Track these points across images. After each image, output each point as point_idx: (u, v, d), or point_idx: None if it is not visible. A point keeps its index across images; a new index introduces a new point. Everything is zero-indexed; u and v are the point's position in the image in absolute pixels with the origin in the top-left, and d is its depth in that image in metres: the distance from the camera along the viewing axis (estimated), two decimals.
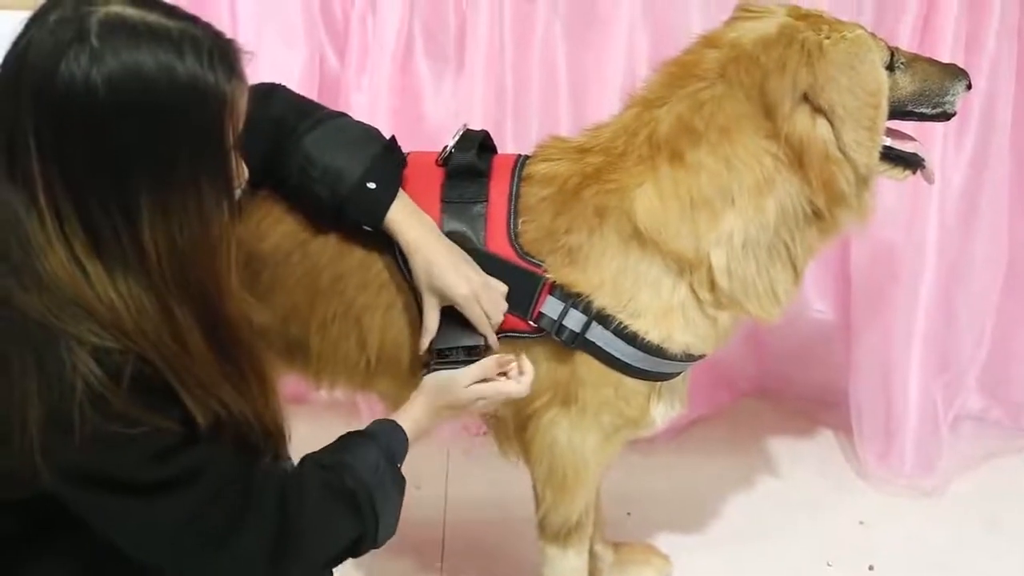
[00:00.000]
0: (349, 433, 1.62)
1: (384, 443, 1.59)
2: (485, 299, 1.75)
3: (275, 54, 2.55)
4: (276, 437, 1.42)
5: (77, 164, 1.23)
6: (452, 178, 1.85)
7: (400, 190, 1.77)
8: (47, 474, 1.24)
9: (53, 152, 1.22)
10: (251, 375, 1.39)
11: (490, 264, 1.79)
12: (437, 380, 1.71)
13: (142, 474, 1.29)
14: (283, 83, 1.86)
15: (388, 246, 1.80)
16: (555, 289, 1.79)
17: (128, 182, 1.23)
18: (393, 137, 1.82)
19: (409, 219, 1.76)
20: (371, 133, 1.81)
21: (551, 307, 1.79)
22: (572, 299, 1.78)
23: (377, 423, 1.65)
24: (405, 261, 1.77)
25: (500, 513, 2.30)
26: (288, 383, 2.25)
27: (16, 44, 1.25)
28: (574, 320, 1.79)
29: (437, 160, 1.87)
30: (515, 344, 1.81)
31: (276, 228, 1.84)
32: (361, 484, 1.51)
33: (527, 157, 1.90)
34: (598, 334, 1.79)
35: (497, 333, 1.78)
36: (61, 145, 1.22)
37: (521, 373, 1.74)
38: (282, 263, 1.84)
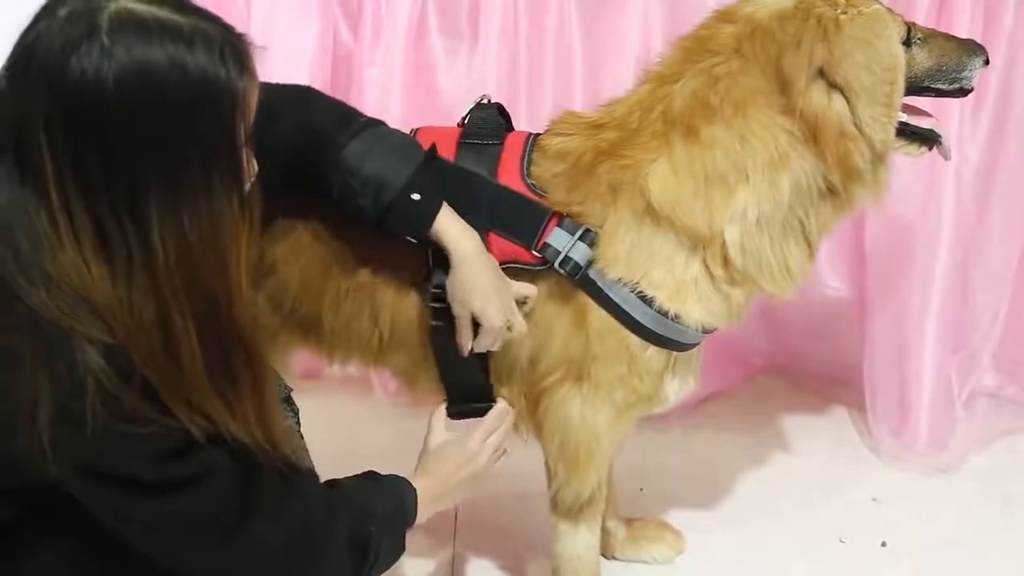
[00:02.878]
0: (370, 477, 1.66)
1: (401, 506, 1.64)
2: (513, 316, 1.78)
3: (289, 29, 2.54)
4: (274, 452, 1.40)
5: (87, 160, 1.21)
6: (466, 139, 1.85)
7: (444, 202, 1.75)
8: (56, 468, 1.24)
9: (64, 149, 1.21)
10: (246, 391, 1.36)
11: (498, 194, 1.79)
12: (453, 456, 1.78)
13: (149, 473, 1.29)
14: (312, 86, 1.87)
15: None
16: (562, 221, 1.79)
17: (138, 178, 1.22)
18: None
19: (457, 231, 1.75)
20: (410, 141, 1.80)
21: (557, 238, 1.78)
22: (578, 230, 1.78)
23: (401, 485, 1.67)
24: (435, 266, 1.78)
25: (513, 489, 2.30)
26: (301, 359, 2.26)
27: (24, 38, 1.24)
28: (580, 253, 1.78)
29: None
30: (520, 276, 1.81)
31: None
32: (378, 536, 1.55)
33: (538, 135, 1.89)
34: (608, 284, 1.79)
35: (501, 264, 1.79)
36: (71, 142, 1.21)
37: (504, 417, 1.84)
38: (296, 237, 1.85)
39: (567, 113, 1.95)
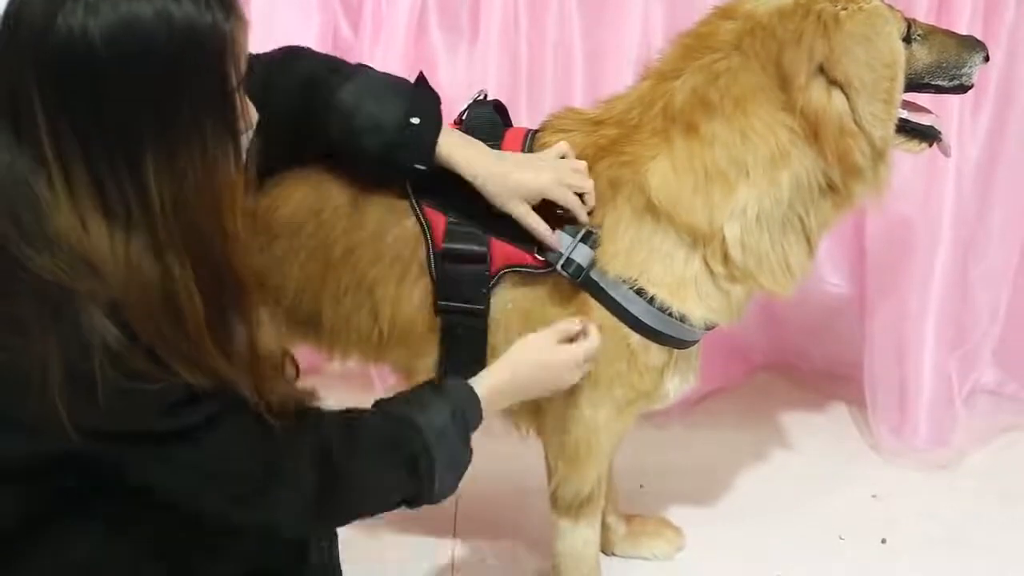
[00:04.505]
0: (425, 386, 1.64)
1: (458, 406, 1.60)
2: (568, 176, 1.75)
3: (289, 25, 2.54)
4: (277, 397, 1.40)
5: (81, 118, 1.22)
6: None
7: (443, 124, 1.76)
8: (72, 431, 1.24)
9: (57, 108, 1.21)
10: (244, 341, 1.36)
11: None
12: (527, 341, 1.73)
13: (162, 424, 1.29)
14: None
15: (401, 217, 1.81)
16: (564, 224, 1.79)
17: (132, 131, 1.23)
18: (421, 72, 1.81)
19: (463, 146, 1.75)
20: (400, 79, 1.81)
21: (559, 240, 1.78)
22: (580, 232, 1.77)
23: (455, 383, 1.65)
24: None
25: (513, 485, 2.31)
26: (301, 354, 2.25)
27: (9, 5, 1.24)
28: (582, 255, 1.77)
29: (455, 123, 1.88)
30: (521, 280, 1.81)
31: (289, 199, 1.84)
32: (423, 447, 1.52)
33: (536, 131, 1.89)
34: (608, 282, 1.79)
35: (503, 267, 1.79)
36: (64, 100, 1.21)
37: (586, 335, 1.76)
38: (295, 234, 1.85)
39: (567, 109, 1.96)
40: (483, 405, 1.65)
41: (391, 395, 1.63)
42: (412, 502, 1.57)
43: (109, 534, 1.41)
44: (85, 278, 1.23)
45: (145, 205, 1.25)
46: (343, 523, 1.60)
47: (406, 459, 1.52)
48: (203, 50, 1.25)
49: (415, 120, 1.72)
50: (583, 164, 1.79)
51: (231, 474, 1.38)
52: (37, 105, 1.22)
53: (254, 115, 1.38)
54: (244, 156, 1.34)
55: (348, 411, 1.57)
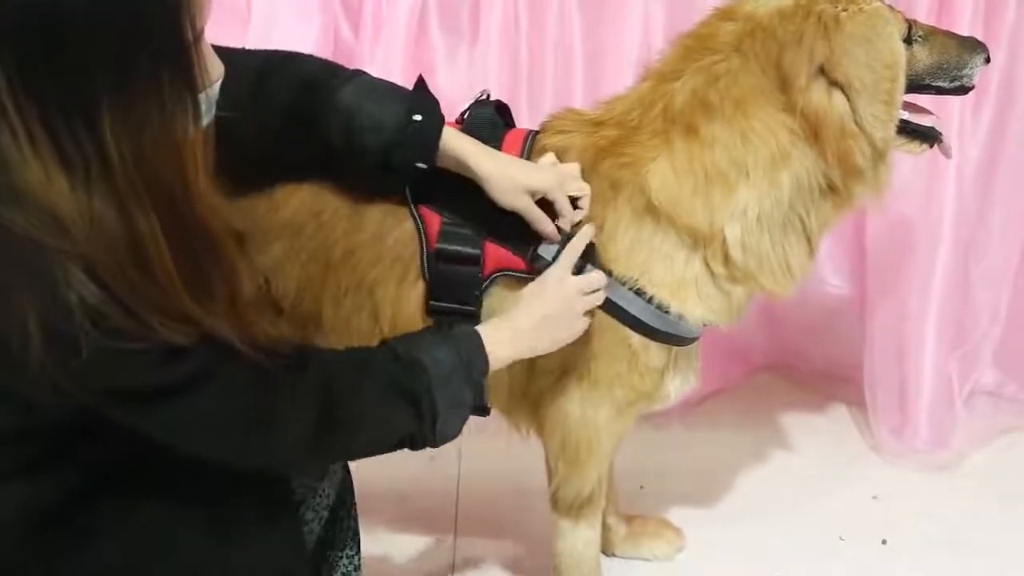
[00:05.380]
0: (430, 328, 1.66)
1: (463, 349, 1.59)
2: (569, 182, 1.76)
3: (289, 26, 2.53)
4: (272, 344, 1.39)
5: (35, 69, 1.20)
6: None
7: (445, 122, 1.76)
8: (64, 391, 1.23)
9: (13, 64, 1.19)
10: (219, 290, 1.34)
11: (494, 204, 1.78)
12: (537, 282, 1.72)
13: (158, 379, 1.28)
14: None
15: (401, 219, 1.81)
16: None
17: (86, 82, 1.21)
18: (420, 75, 1.81)
19: (466, 143, 1.75)
20: (396, 84, 1.80)
21: (549, 249, 1.77)
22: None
23: (461, 329, 1.65)
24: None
25: (513, 486, 2.31)
26: None
27: None
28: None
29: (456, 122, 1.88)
30: (516, 283, 1.80)
31: (290, 200, 1.84)
32: (427, 385, 1.52)
33: (537, 132, 1.89)
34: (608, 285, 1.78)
35: (495, 271, 1.79)
36: (20, 55, 1.19)
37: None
38: (296, 235, 1.84)
39: (567, 110, 1.95)
40: (488, 351, 1.63)
41: (397, 336, 1.62)
42: (414, 443, 1.55)
43: (167, 510, 1.43)
44: (57, 234, 1.21)
45: (103, 159, 1.23)
46: (343, 457, 1.59)
47: (408, 395, 1.51)
48: (159, 2, 1.23)
49: (417, 117, 1.72)
50: (576, 168, 1.79)
51: (230, 418, 1.37)
52: None
53: (217, 71, 1.36)
54: (204, 113, 1.32)
55: (352, 349, 1.58)
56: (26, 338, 1.20)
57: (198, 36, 1.29)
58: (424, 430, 1.53)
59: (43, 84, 1.20)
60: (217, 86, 1.37)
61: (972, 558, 2.36)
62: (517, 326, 1.69)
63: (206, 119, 1.33)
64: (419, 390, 1.52)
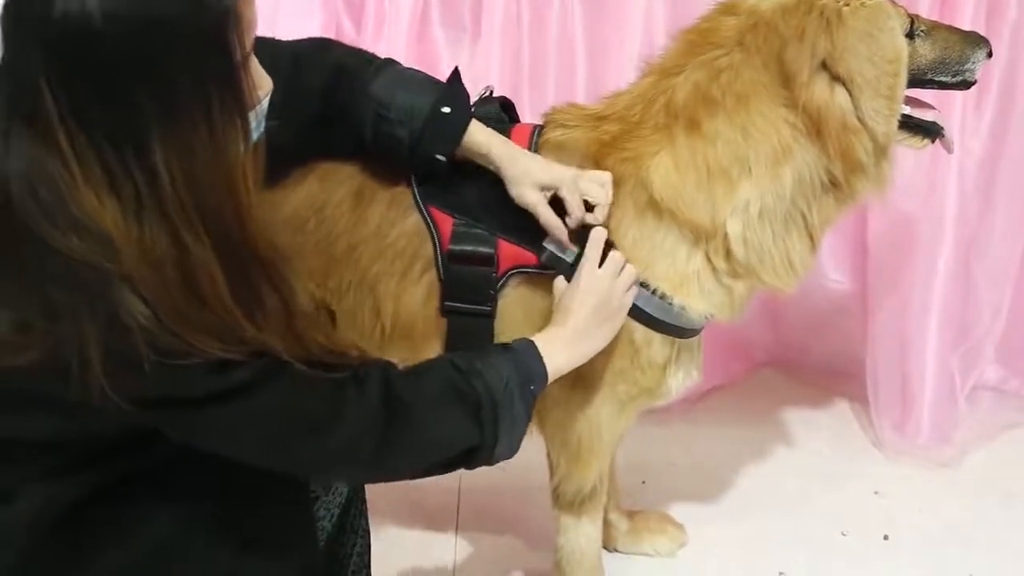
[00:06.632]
0: (492, 344, 1.66)
1: (522, 362, 1.59)
2: (585, 182, 1.75)
3: (291, 22, 2.53)
4: (329, 355, 1.39)
5: (86, 97, 1.20)
6: None
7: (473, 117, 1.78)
8: (118, 405, 1.23)
9: (63, 90, 1.20)
10: (274, 311, 1.34)
11: (504, 200, 1.78)
12: (571, 284, 1.72)
13: (216, 384, 1.28)
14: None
15: (404, 214, 1.81)
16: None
17: (135, 106, 1.21)
18: (456, 68, 1.83)
19: (487, 133, 1.77)
20: (428, 75, 1.82)
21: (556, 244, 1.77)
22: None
23: (519, 341, 1.64)
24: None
25: (515, 481, 2.31)
26: None
27: None
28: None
29: None
30: (526, 279, 1.81)
31: (293, 195, 1.84)
32: (488, 394, 1.51)
33: (542, 126, 1.89)
34: None
35: (507, 269, 1.79)
36: (69, 81, 1.20)
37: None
38: (299, 230, 1.84)
39: (569, 105, 1.95)
40: (543, 356, 1.63)
41: (455, 352, 1.63)
42: (473, 456, 1.53)
43: (184, 514, 1.42)
44: (110, 258, 1.22)
45: (153, 182, 1.23)
46: (407, 469, 1.53)
47: (470, 404, 1.50)
48: (205, 22, 1.22)
49: (446, 109, 1.74)
50: (608, 176, 1.78)
51: (289, 426, 1.36)
52: (45, 90, 1.20)
53: (266, 87, 1.36)
54: (254, 130, 1.32)
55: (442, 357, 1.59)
56: (86, 359, 1.21)
57: (247, 56, 1.29)
58: (485, 438, 1.52)
59: (92, 114, 1.21)
60: (266, 102, 1.37)
61: (973, 554, 2.36)
62: (572, 327, 1.68)
63: (255, 135, 1.33)
64: (480, 399, 1.51)
